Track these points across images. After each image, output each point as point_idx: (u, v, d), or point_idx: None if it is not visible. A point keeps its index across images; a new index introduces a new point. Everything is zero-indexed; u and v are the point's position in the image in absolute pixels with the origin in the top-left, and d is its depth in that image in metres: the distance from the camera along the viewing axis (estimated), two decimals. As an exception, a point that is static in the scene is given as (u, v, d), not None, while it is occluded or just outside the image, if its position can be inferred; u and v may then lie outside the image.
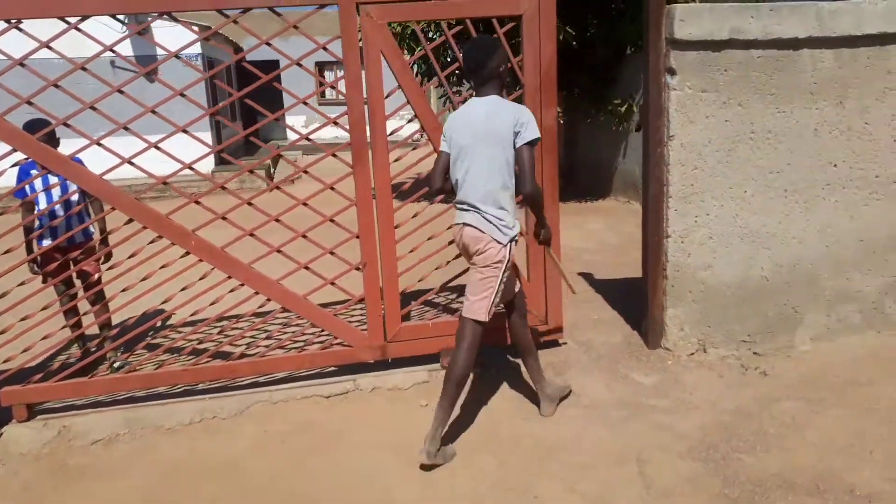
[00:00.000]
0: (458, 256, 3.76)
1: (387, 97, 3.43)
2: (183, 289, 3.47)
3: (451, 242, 3.66)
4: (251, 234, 3.43)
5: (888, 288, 3.85)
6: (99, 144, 3.22)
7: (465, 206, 2.93)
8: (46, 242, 3.72)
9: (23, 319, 3.31)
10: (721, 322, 3.76)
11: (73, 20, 3.16)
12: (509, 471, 2.85)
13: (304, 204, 3.45)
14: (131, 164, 3.26)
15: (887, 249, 3.80)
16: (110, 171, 3.32)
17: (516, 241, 2.95)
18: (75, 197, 3.73)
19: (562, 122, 8.90)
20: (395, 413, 3.37)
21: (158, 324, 3.63)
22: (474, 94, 2.99)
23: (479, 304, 2.94)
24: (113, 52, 3.10)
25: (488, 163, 2.85)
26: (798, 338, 3.81)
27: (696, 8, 3.38)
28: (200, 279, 3.45)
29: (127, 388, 3.49)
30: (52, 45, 3.11)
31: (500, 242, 2.88)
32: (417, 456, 2.85)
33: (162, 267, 3.41)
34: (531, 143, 2.84)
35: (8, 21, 3.07)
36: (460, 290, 4.30)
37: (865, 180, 3.71)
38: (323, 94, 19.56)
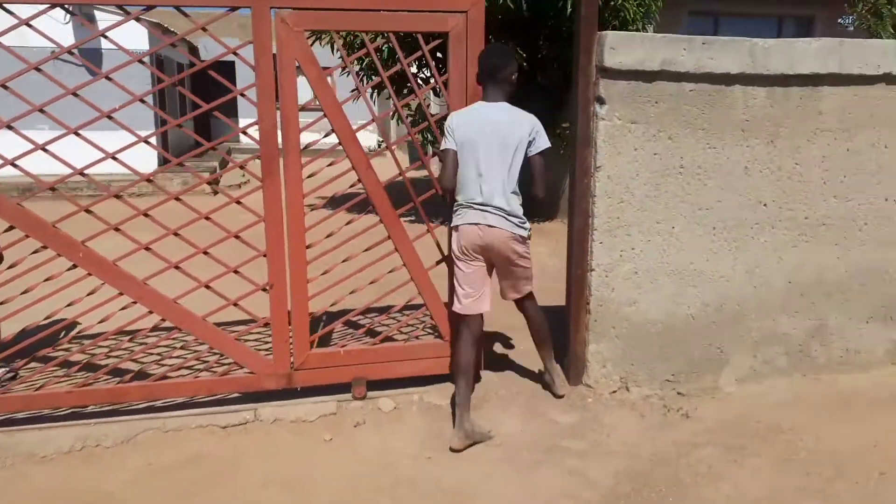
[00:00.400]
0: (373, 282, 3.60)
1: (303, 109, 3.24)
2: (69, 304, 3.19)
3: (371, 264, 3.50)
4: (147, 248, 3.19)
5: (815, 331, 3.79)
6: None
7: (487, 209, 3.15)
8: None
9: None
10: (645, 360, 3.64)
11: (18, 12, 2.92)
12: (403, 518, 2.66)
13: (207, 218, 3.22)
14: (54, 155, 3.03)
15: (814, 292, 3.74)
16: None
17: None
18: None
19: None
20: (296, 446, 3.15)
21: (41, 339, 3.25)
22: (483, 98, 3.21)
23: (519, 291, 3.41)
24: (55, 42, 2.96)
25: (508, 167, 3.14)
26: (723, 379, 3.72)
27: (628, 36, 3.28)
28: (88, 294, 3.19)
29: (4, 409, 3.20)
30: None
31: (525, 238, 3.26)
32: (449, 442, 3.09)
33: (47, 279, 3.13)
34: (543, 152, 3.19)
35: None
36: (376, 312, 4.13)
37: (795, 221, 3.65)
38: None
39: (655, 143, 3.42)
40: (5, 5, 2.91)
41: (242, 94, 3.21)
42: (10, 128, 3.02)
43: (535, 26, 7.96)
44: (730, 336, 3.68)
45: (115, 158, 3.10)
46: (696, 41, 3.32)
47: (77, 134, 3.07)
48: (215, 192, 12.28)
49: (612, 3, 8.23)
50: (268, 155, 3.21)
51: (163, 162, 13.09)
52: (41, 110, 3.00)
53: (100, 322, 3.25)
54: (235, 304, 3.32)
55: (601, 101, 3.35)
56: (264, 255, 3.28)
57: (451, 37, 3.27)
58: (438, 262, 3.60)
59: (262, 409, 3.36)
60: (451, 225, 3.31)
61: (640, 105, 3.36)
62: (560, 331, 3.71)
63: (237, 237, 3.26)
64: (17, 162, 3.01)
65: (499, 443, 3.19)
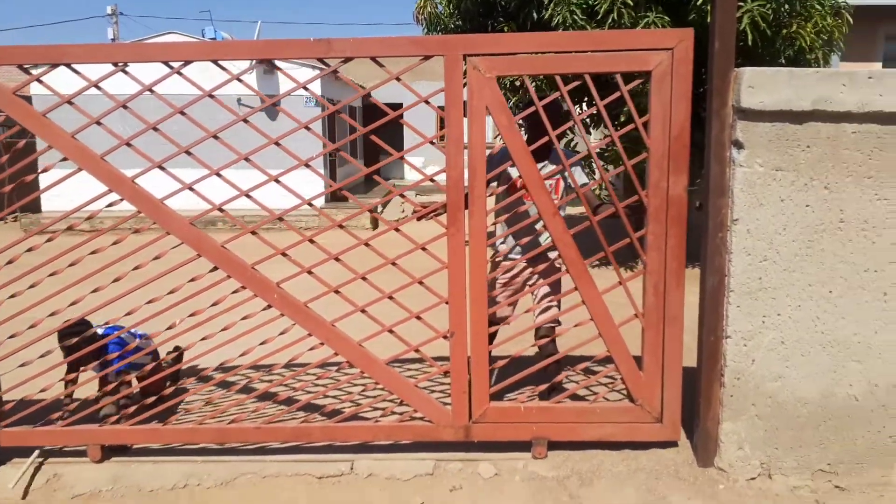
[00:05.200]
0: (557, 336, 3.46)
1: (492, 155, 3.17)
2: (262, 343, 3.27)
3: (554, 318, 3.46)
4: (336, 292, 3.23)
5: None
6: (218, 175, 3.19)
7: None
8: None
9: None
10: (793, 445, 3.10)
11: (175, 65, 3.16)
12: None
13: (393, 264, 3.19)
14: (249, 196, 3.21)
15: None
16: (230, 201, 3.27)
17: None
18: None
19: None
20: (387, 507, 3.01)
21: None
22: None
23: None
24: (212, 97, 3.14)
25: None
26: (897, 475, 3.07)
27: (771, 72, 2.84)
28: (281, 334, 3.27)
29: (197, 440, 3.38)
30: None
31: None
32: None
33: (244, 318, 3.25)
34: None
35: (115, 64, 3.12)
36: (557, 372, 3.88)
37: None
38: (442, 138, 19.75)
39: (807, 193, 2.92)
40: (220, 62, 3.13)
41: (431, 142, 3.21)
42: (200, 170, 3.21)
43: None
44: (906, 424, 3.03)
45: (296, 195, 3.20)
46: (860, 76, 2.81)
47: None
48: (375, 227, 12.82)
49: (785, 30, 7.49)
50: (454, 203, 3.14)
51: (330, 199, 13.86)
52: (247, 159, 3.18)
53: (290, 360, 3.34)
54: (416, 350, 3.28)
55: (739, 146, 2.93)
56: (446, 303, 3.21)
57: (654, 76, 3.01)
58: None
59: (358, 463, 3.27)
60: None
61: (786, 150, 2.90)
62: (688, 398, 3.27)
63: (421, 283, 3.20)
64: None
65: (607, 528, 2.83)
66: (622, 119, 7.66)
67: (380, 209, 13.81)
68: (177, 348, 3.86)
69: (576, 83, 3.12)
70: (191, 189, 3.16)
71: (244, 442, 3.40)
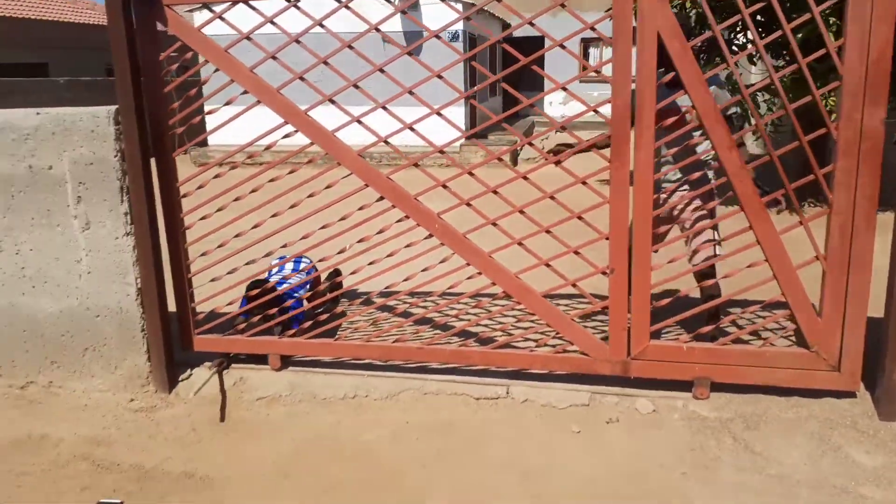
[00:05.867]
0: (727, 276, 3.32)
1: (662, 83, 3.03)
2: (424, 270, 3.41)
3: (726, 256, 3.28)
4: (493, 224, 3.31)
5: None
6: (359, 122, 3.30)
7: None
8: None
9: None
10: None
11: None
12: (645, 538, 2.42)
13: (552, 198, 3.18)
14: (386, 142, 3.30)
15: None
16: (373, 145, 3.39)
17: None
18: None
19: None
20: (542, 432, 3.09)
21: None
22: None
23: None
24: (377, 30, 3.20)
25: None
26: None
27: None
28: (441, 262, 3.40)
29: (364, 355, 3.61)
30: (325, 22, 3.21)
31: None
32: None
33: (407, 246, 3.37)
34: None
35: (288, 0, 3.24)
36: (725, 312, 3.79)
37: None
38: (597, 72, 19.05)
39: None
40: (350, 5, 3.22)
41: (596, 71, 3.14)
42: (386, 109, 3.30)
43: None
44: None
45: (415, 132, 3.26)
46: None
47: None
48: (515, 163, 12.71)
49: None
50: (619, 135, 3.06)
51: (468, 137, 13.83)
52: (410, 92, 3.24)
53: (448, 288, 3.49)
54: (574, 285, 3.30)
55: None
56: (606, 238, 3.18)
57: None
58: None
59: (514, 388, 3.36)
60: None
61: None
62: (870, 349, 3.03)
63: (580, 218, 3.17)
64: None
65: (773, 473, 2.74)
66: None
67: (519, 151, 13.63)
68: (336, 272, 4.08)
69: (759, 4, 2.86)
70: (358, 122, 3.26)
71: (407, 360, 3.58)
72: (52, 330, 3.54)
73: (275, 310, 3.64)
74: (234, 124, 3.46)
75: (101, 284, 3.43)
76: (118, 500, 2.72)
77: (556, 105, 18.54)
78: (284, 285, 3.78)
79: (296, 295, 3.88)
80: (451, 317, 4.10)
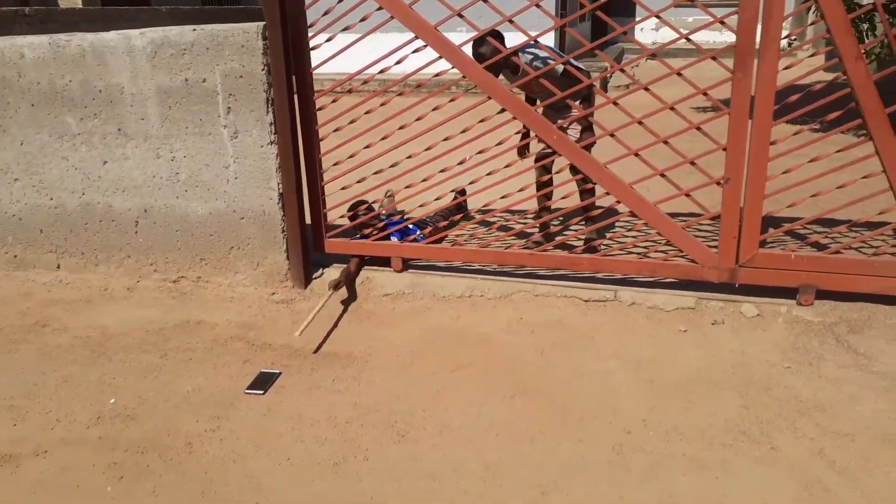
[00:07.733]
0: (841, 186, 3.34)
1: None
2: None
3: (840, 167, 3.30)
4: (611, 135, 3.47)
5: None
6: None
7: None
8: None
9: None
10: None
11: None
12: (750, 416, 2.65)
13: (672, 108, 3.30)
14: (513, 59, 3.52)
15: None
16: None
17: None
18: None
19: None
20: (649, 330, 3.33)
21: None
22: None
23: None
24: None
25: None
26: None
27: None
28: (556, 173, 3.62)
29: (479, 260, 3.84)
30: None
31: None
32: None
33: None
34: None
35: None
36: (831, 224, 3.92)
37: None
38: (682, -10, 18.24)
39: None
40: None
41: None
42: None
43: None
44: None
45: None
46: None
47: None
48: (606, 90, 12.52)
49: None
50: (744, 47, 3.13)
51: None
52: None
53: (562, 198, 3.79)
54: (688, 195, 3.43)
55: None
56: (724, 149, 3.29)
57: None
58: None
59: (621, 292, 3.58)
60: None
61: None
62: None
63: (699, 129, 3.26)
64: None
65: (877, 370, 2.89)
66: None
67: (631, 69, 13.28)
68: (463, 191, 4.40)
69: None
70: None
71: (519, 265, 3.86)
72: (202, 230, 3.99)
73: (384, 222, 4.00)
74: (346, 53, 3.59)
75: (246, 189, 3.83)
76: (277, 370, 3.16)
77: (647, 31, 17.96)
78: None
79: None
80: (559, 227, 4.33)
